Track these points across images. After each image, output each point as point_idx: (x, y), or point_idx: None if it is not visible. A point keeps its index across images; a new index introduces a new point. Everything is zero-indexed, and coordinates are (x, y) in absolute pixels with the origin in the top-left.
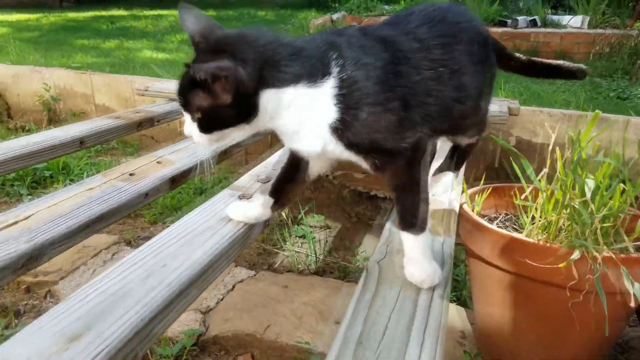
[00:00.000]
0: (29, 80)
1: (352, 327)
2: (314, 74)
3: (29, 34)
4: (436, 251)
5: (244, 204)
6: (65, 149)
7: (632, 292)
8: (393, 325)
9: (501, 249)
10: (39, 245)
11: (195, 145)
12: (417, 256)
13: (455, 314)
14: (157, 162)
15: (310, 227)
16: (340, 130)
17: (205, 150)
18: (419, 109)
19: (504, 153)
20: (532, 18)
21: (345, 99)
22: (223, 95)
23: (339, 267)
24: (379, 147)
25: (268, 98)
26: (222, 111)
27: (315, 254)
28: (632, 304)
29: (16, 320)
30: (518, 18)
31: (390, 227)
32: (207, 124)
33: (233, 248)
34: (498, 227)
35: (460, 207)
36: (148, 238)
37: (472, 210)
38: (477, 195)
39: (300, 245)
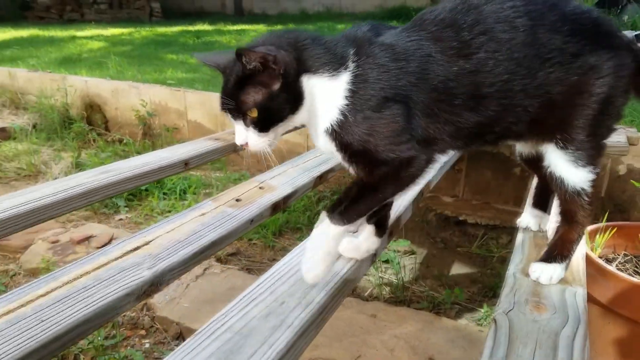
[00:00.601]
0: (127, 96)
1: None
2: (334, 65)
3: (122, 48)
4: (569, 304)
5: (353, 240)
6: (171, 169)
7: None
8: None
9: (627, 297)
10: (160, 273)
11: (292, 170)
12: (311, 246)
13: None
14: (260, 188)
15: (396, 251)
16: (338, 127)
17: (303, 177)
18: (440, 116)
19: (612, 181)
20: (637, 32)
21: (353, 96)
22: (273, 82)
23: (426, 297)
24: (369, 154)
25: (307, 82)
26: (275, 101)
27: (403, 281)
28: None
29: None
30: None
31: (514, 272)
32: (263, 121)
33: (347, 286)
34: (617, 268)
35: None
36: (234, 254)
37: (592, 251)
38: (597, 234)
39: (384, 270)
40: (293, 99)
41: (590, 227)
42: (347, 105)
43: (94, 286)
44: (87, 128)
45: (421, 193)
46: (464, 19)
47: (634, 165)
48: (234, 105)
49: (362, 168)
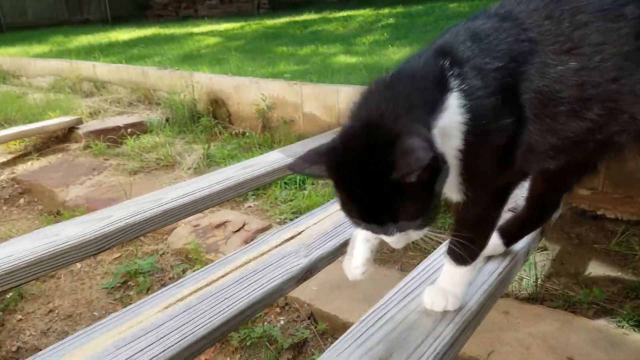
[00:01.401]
0: (248, 91)
1: None
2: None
3: (236, 42)
4: None
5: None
6: None
7: None
8: None
9: None
10: (314, 260)
11: None
12: (444, 285)
13: None
14: None
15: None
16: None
17: None
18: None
19: None
20: None
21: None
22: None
23: (561, 296)
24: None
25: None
26: (427, 191)
27: (536, 279)
28: None
29: None
30: None
31: None
32: (425, 216)
33: (502, 285)
34: None
35: None
36: None
37: None
38: None
39: None
40: (440, 174)
41: None
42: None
43: (262, 270)
44: (213, 122)
45: None
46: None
47: None
48: (385, 219)
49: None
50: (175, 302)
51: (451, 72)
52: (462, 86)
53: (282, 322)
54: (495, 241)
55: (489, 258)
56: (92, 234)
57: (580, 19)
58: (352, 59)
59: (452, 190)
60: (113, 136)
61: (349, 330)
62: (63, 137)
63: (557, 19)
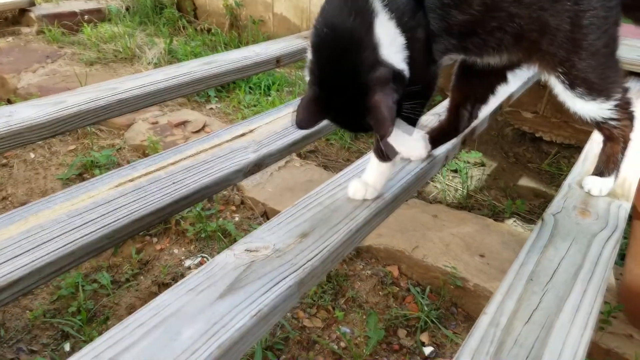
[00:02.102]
0: None
1: (524, 265)
2: None
3: None
4: (611, 214)
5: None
6: (265, 66)
7: None
8: (561, 271)
9: None
10: (262, 156)
11: None
12: (366, 178)
13: None
14: None
15: (466, 162)
16: None
17: None
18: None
19: None
20: None
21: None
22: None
23: (488, 205)
24: None
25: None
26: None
27: (467, 189)
28: None
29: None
30: None
31: (570, 182)
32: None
33: (417, 182)
34: None
35: None
36: (313, 152)
37: None
38: None
39: (451, 178)
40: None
41: None
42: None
43: (212, 160)
44: (177, 14)
45: (500, 106)
46: None
47: None
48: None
49: None
50: (126, 182)
51: None
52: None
53: (237, 218)
54: None
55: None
56: (46, 117)
57: None
58: None
59: None
60: (69, 22)
61: (283, 211)
62: (13, 19)
63: None
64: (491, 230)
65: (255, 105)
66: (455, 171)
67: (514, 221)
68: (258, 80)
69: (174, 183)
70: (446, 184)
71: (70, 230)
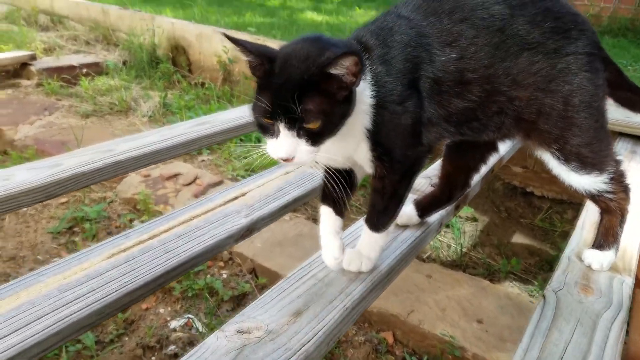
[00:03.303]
0: (211, 41)
1: (529, 351)
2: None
3: None
4: (615, 290)
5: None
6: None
7: None
8: (568, 357)
9: None
10: (254, 221)
11: None
12: (361, 249)
13: None
14: None
15: (458, 217)
16: (373, 128)
17: None
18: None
19: None
20: None
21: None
22: (345, 89)
23: (483, 264)
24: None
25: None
26: (339, 110)
27: (461, 246)
28: None
29: None
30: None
31: (570, 255)
32: (320, 134)
33: (412, 252)
34: None
35: None
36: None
37: None
38: None
39: (444, 234)
40: (347, 107)
41: None
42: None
43: (204, 227)
44: (172, 69)
45: (492, 169)
46: (442, 7)
47: None
48: (295, 114)
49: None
50: (118, 252)
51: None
52: (372, 70)
53: (224, 275)
54: (411, 213)
55: (406, 227)
56: (42, 180)
57: (458, 16)
58: (319, 17)
59: (366, 164)
60: (67, 75)
61: (275, 285)
62: (14, 72)
63: (439, 17)
64: (488, 293)
65: (245, 157)
66: (448, 226)
67: (510, 281)
68: (249, 132)
69: (166, 252)
70: (439, 240)
71: (61, 307)
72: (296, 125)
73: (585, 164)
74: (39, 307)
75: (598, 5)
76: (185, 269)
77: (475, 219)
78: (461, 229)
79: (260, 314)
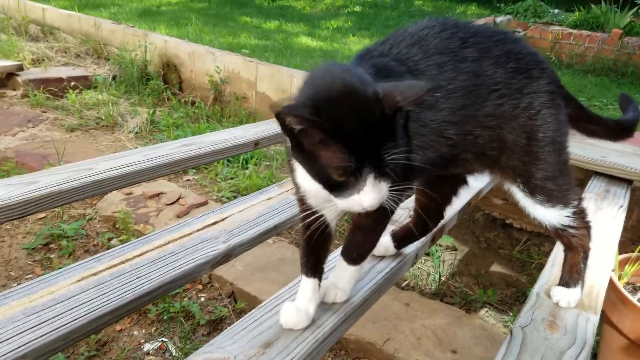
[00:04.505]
0: (203, 60)
1: None
2: None
3: (200, 4)
4: (579, 328)
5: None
6: (244, 148)
7: None
8: None
9: None
10: (232, 247)
11: None
12: (335, 280)
13: None
14: None
15: (438, 245)
16: None
17: None
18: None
19: None
20: None
21: None
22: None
23: (460, 293)
24: None
25: None
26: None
27: (439, 274)
28: None
29: None
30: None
31: (539, 291)
32: (395, 170)
33: (387, 283)
34: None
35: None
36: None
37: (619, 279)
38: (628, 264)
39: (423, 262)
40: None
41: (621, 256)
42: None
43: (179, 252)
44: (162, 86)
45: (469, 203)
46: (415, 52)
47: None
48: (382, 160)
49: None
50: (89, 276)
51: None
52: None
53: (202, 298)
54: (387, 244)
55: (382, 258)
56: (17, 198)
57: (436, 59)
58: (313, 43)
59: None
60: (54, 88)
61: (247, 315)
62: (0, 82)
63: (421, 59)
64: (463, 324)
65: (232, 178)
66: (428, 254)
67: (486, 312)
68: (236, 159)
69: (137, 278)
70: (419, 268)
71: (24, 331)
72: (382, 169)
73: (551, 197)
74: (2, 331)
75: (583, 44)
76: (157, 294)
77: (455, 248)
78: (441, 257)
79: (230, 344)
